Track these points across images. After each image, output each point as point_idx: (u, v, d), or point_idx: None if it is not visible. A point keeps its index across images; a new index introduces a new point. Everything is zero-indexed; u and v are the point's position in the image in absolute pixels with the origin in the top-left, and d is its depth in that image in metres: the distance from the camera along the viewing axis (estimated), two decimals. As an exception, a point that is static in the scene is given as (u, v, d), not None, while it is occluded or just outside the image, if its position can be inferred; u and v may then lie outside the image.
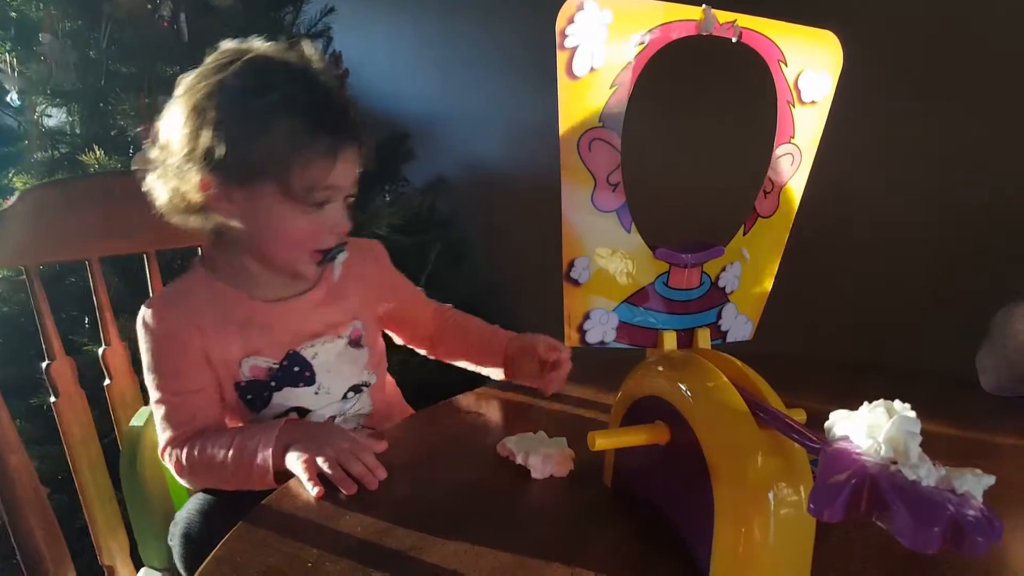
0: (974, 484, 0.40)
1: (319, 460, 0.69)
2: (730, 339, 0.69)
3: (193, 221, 0.81)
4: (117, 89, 1.41)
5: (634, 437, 0.60)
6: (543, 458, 0.70)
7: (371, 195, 1.77)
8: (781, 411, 0.55)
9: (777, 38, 0.62)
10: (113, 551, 0.93)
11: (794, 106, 0.64)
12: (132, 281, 1.33)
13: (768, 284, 0.69)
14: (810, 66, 0.63)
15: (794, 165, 0.66)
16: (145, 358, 0.81)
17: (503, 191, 1.98)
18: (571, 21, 0.55)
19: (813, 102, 0.64)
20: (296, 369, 0.84)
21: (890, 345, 1.35)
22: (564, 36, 0.55)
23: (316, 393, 0.86)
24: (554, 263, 0.60)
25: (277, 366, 0.83)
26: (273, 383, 0.84)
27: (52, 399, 0.89)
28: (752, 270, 0.67)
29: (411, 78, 2.11)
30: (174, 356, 0.80)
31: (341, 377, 0.88)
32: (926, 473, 0.40)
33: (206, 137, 0.74)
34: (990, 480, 0.40)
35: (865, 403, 0.44)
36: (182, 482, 0.81)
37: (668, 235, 0.64)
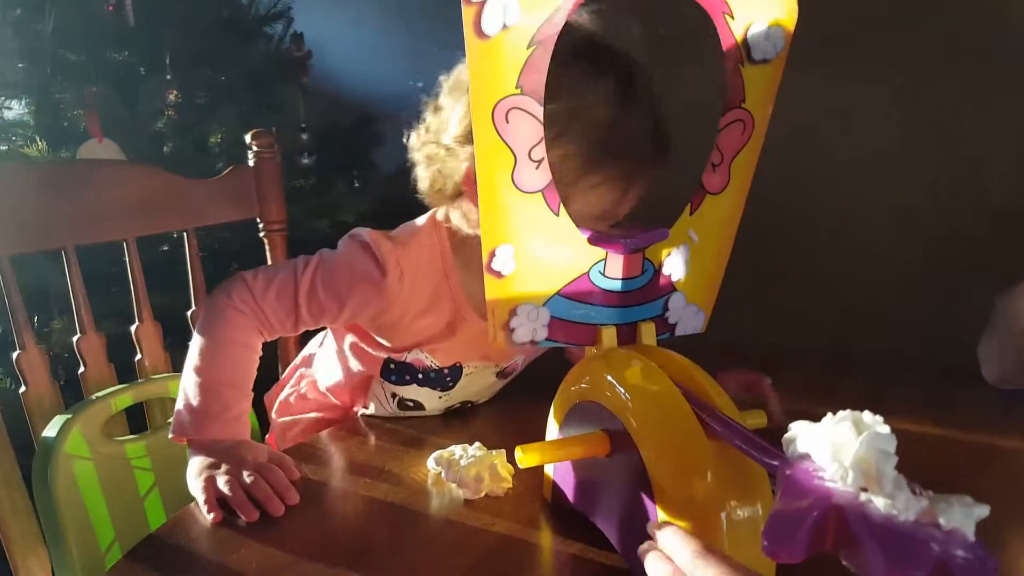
0: (964, 517, 0.32)
1: (219, 480, 0.61)
2: (680, 332, 0.61)
3: (455, 206, 0.72)
4: (60, 78, 1.33)
5: (567, 451, 0.52)
6: (475, 475, 0.62)
7: (336, 182, 1.71)
8: (734, 418, 0.47)
9: (721, -14, 0.54)
10: (33, 569, 0.84)
11: (743, 65, 0.56)
12: (43, 285, 1.24)
13: (720, 269, 0.61)
14: (760, 19, 0.55)
15: (745, 133, 0.58)
16: (321, 258, 0.74)
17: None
18: (477, -32, 0.46)
19: (765, 61, 0.56)
20: (448, 379, 0.79)
21: (876, 334, 1.27)
22: (469, -13, 0.46)
23: (440, 397, 0.82)
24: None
25: (437, 368, 0.79)
26: (421, 375, 0.79)
27: None
28: (701, 254, 0.60)
29: (378, 59, 2.00)
30: (358, 284, 0.72)
31: (467, 395, 0.83)
32: (904, 504, 0.33)
33: None
34: (983, 511, 0.33)
35: (829, 414, 0.37)
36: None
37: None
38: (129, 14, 1.39)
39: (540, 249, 0.54)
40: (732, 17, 0.54)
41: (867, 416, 0.36)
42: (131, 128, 1.42)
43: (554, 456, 0.52)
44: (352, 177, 1.80)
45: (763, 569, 0.46)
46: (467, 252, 0.73)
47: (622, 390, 0.52)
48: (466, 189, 0.68)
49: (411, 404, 0.82)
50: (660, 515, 0.47)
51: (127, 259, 0.93)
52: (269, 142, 1.02)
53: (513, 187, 0.51)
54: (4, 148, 1.33)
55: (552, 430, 0.60)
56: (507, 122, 0.50)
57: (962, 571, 0.31)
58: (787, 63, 0.57)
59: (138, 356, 0.95)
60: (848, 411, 0.37)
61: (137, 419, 0.93)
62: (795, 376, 0.78)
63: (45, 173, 0.92)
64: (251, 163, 1.03)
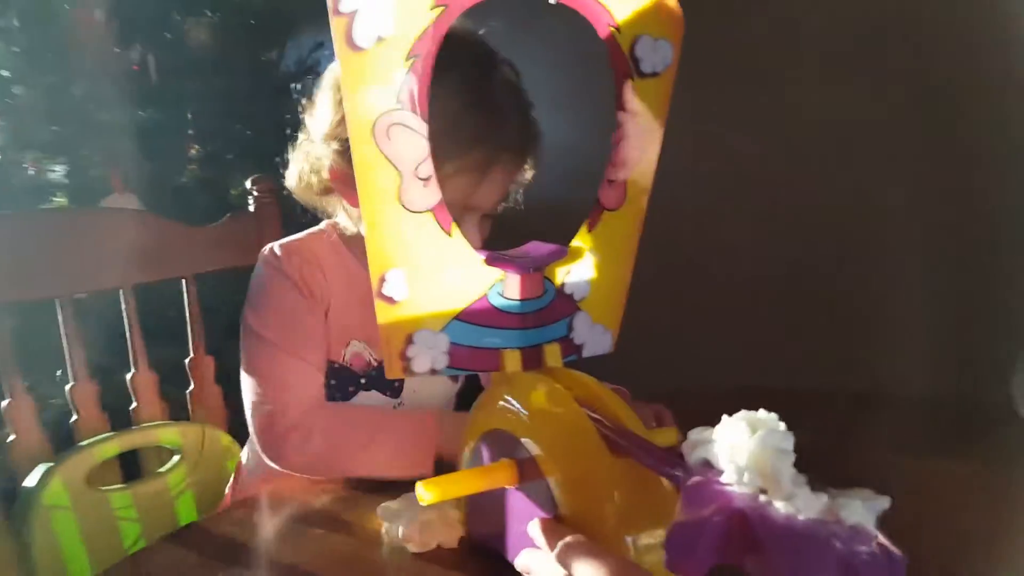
0: (865, 511, 0.31)
1: None
2: (587, 353, 0.59)
3: (325, 202, 0.76)
4: (88, 136, 1.43)
5: (472, 483, 0.49)
6: (421, 526, 0.57)
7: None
8: (640, 435, 0.45)
9: (604, -1, 0.54)
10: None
11: (632, 79, 0.56)
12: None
13: (623, 287, 0.60)
14: (647, 31, 0.55)
15: (641, 149, 0.57)
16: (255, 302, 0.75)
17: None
18: (346, -22, 0.44)
19: (655, 74, 0.56)
20: (394, 380, 0.73)
21: (890, 371, 1.21)
22: (338, -1, 0.44)
23: (395, 407, 0.78)
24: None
25: (377, 364, 0.76)
26: (363, 380, 0.76)
27: None
28: (602, 272, 0.58)
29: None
30: (295, 303, 0.73)
31: (422, 399, 0.79)
32: (804, 503, 0.31)
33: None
34: (883, 504, 0.31)
35: (724, 416, 0.35)
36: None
37: (500, 237, 0.54)
38: (152, 73, 1.50)
39: (434, 272, 0.51)
40: (618, 31, 0.54)
41: (762, 414, 0.34)
42: (154, 182, 1.48)
43: (457, 489, 0.49)
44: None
45: None
46: (361, 248, 0.71)
47: (525, 414, 0.49)
48: (335, 184, 0.70)
49: None
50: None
51: (123, 307, 0.90)
52: (269, 187, 1.01)
53: (400, 207, 0.49)
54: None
55: (464, 463, 0.57)
56: (389, 139, 0.48)
57: (867, 567, 0.29)
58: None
59: (133, 404, 0.91)
60: (743, 412, 0.35)
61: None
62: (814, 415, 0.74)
63: (38, 222, 0.94)
64: (251, 208, 1.01)
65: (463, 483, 0.49)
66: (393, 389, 0.78)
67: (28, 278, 0.86)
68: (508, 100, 0.69)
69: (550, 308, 0.56)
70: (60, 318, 0.86)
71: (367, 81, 0.46)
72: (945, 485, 0.66)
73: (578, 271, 0.57)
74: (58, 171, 1.46)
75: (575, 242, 0.57)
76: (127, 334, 0.92)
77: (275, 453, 0.70)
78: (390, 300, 0.50)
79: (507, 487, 0.50)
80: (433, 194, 0.50)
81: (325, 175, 0.71)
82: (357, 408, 0.75)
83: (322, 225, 0.80)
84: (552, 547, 0.42)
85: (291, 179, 0.76)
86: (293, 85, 0.75)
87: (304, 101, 0.74)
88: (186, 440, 0.91)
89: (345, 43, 0.45)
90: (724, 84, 1.36)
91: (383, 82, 0.47)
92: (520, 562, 0.47)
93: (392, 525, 0.59)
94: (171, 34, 1.53)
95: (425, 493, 0.47)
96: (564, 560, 0.41)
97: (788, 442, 0.33)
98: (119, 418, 0.91)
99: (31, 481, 0.80)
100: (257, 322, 0.74)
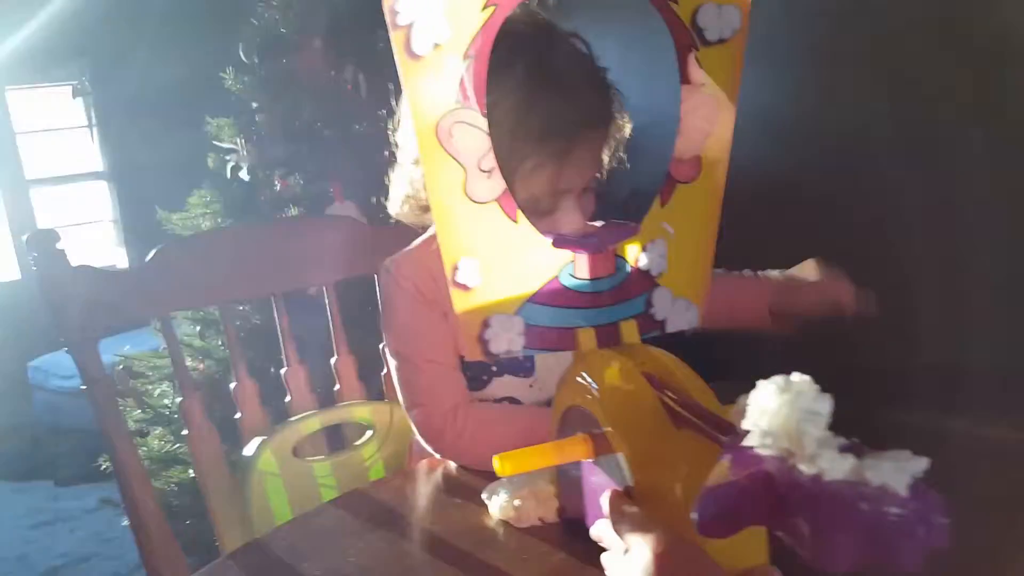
0: (895, 472, 0.30)
1: None
2: (671, 328, 0.59)
3: (431, 219, 0.76)
4: (313, 152, 1.65)
5: (547, 457, 0.51)
6: (519, 502, 0.60)
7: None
8: (708, 408, 0.45)
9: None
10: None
11: (696, 50, 0.55)
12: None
13: (707, 260, 0.59)
14: None
15: (710, 120, 0.56)
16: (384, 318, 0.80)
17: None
18: (399, -6, 0.48)
19: (721, 41, 0.55)
20: (524, 358, 0.80)
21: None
22: (395, 14, 0.48)
23: (531, 386, 0.82)
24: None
25: None
26: (495, 367, 0.80)
27: (184, 431, 0.92)
28: (680, 246, 0.58)
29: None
30: (415, 313, 0.77)
31: (557, 373, 0.81)
32: (829, 463, 0.30)
33: None
34: (919, 465, 0.30)
35: (760, 381, 0.35)
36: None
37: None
38: (363, 88, 1.65)
39: (504, 258, 0.54)
40: (676, 2, 0.54)
41: (795, 377, 0.34)
42: (369, 190, 1.59)
43: (533, 462, 0.51)
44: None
45: (753, 556, 0.43)
46: None
47: (596, 391, 0.51)
48: None
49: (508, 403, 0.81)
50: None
51: (326, 301, 1.02)
52: None
53: (467, 199, 0.52)
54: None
55: (553, 438, 0.59)
56: (452, 136, 0.51)
57: (895, 528, 0.29)
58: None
59: (336, 386, 1.03)
60: (779, 376, 0.35)
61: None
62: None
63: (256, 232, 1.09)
64: None
65: (538, 457, 0.51)
66: (526, 369, 0.81)
67: (252, 279, 0.99)
68: (575, 76, 0.68)
69: (625, 285, 0.57)
70: (275, 312, 0.98)
71: (428, 85, 0.50)
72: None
73: (653, 247, 0.57)
74: (295, 185, 1.69)
75: (649, 218, 0.57)
76: (330, 325, 1.02)
77: (435, 447, 0.76)
78: (464, 287, 0.54)
79: (586, 462, 0.52)
80: (497, 184, 0.53)
81: (423, 193, 0.74)
82: (506, 408, 0.79)
83: (430, 231, 0.81)
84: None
85: (394, 205, 0.79)
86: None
87: (391, 125, 0.78)
88: (377, 417, 1.01)
89: (405, 53, 0.49)
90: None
91: (443, 84, 0.50)
92: (593, 531, 0.49)
93: (492, 503, 0.62)
94: (376, 54, 1.66)
95: (500, 465, 0.50)
96: (618, 529, 0.42)
97: (820, 404, 0.32)
98: (326, 397, 1.03)
99: (248, 451, 0.93)
100: (388, 336, 0.80)
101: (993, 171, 1.20)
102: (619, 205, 0.63)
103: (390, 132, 0.79)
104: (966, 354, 1.13)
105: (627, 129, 0.75)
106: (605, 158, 0.76)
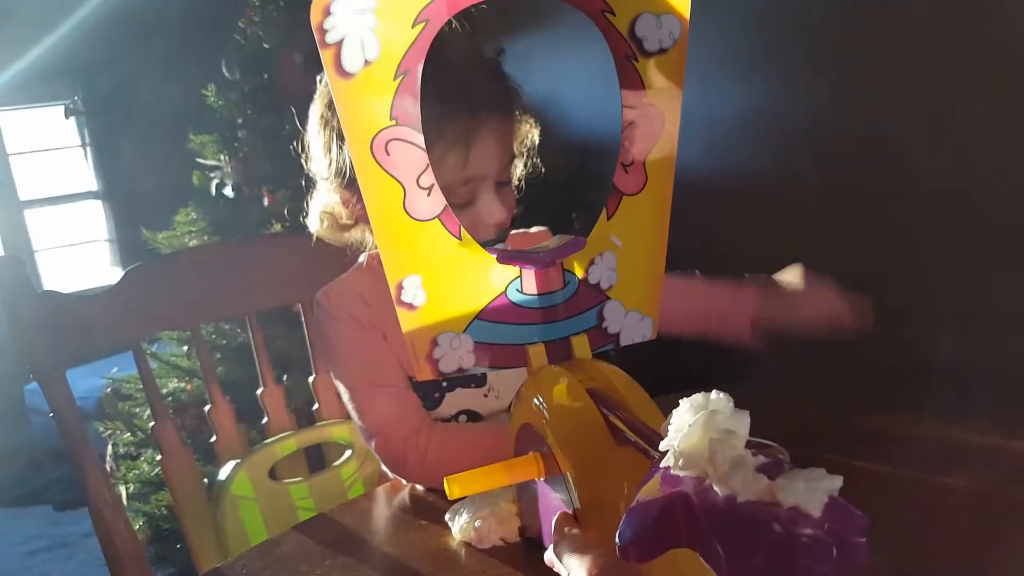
0: (807, 492, 0.29)
1: None
2: (626, 341, 0.59)
3: (351, 236, 0.78)
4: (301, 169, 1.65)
5: (497, 477, 0.50)
6: (480, 522, 0.60)
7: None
8: (646, 425, 0.44)
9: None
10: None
11: (635, 60, 0.54)
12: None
13: (656, 272, 0.59)
14: (647, 9, 0.54)
15: (655, 129, 0.56)
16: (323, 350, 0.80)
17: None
18: (328, 13, 0.47)
19: (662, 51, 0.55)
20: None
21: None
22: (323, 32, 0.48)
23: (485, 396, 0.81)
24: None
25: None
26: (445, 383, 0.79)
27: (159, 456, 0.92)
28: (630, 259, 0.57)
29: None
30: (353, 341, 0.76)
31: (512, 380, 0.82)
32: (741, 484, 0.30)
33: (335, 151, 0.71)
34: (833, 484, 0.29)
35: (681, 400, 0.34)
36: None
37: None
38: None
39: (449, 275, 0.53)
40: (612, 14, 0.53)
41: (712, 395, 0.33)
42: None
43: (483, 484, 0.50)
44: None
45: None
46: None
47: (545, 409, 0.50)
48: (356, 216, 0.74)
49: (466, 418, 0.80)
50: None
51: (303, 319, 1.01)
52: None
53: (407, 217, 0.52)
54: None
55: (509, 455, 0.58)
56: (388, 154, 0.50)
57: (805, 551, 0.28)
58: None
59: (315, 405, 1.02)
60: (697, 395, 0.34)
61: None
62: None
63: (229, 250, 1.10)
64: None
65: (488, 478, 0.50)
66: (477, 380, 0.80)
67: (226, 298, 0.98)
68: (467, 64, 0.70)
69: (575, 300, 0.56)
70: (250, 332, 0.98)
71: (360, 104, 0.49)
72: None
73: (602, 260, 0.57)
74: (283, 201, 1.66)
75: (596, 231, 0.57)
76: (307, 343, 1.01)
77: (399, 472, 0.75)
78: (410, 307, 0.53)
79: (539, 481, 0.51)
80: (437, 202, 0.52)
81: (342, 210, 0.75)
82: (467, 427, 0.79)
83: (361, 258, 0.82)
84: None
85: (313, 223, 0.79)
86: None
87: (301, 150, 0.78)
88: (356, 436, 0.99)
89: (335, 72, 0.48)
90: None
91: (375, 102, 0.50)
92: (546, 556, 0.48)
93: (454, 524, 0.61)
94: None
95: (449, 488, 0.49)
96: (558, 552, 0.41)
97: (735, 423, 0.32)
98: (305, 417, 1.03)
99: (222, 474, 0.92)
100: (334, 370, 0.79)
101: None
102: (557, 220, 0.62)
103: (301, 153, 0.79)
104: (947, 354, 1.12)
105: (535, 133, 0.76)
106: (516, 150, 0.76)
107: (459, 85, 0.68)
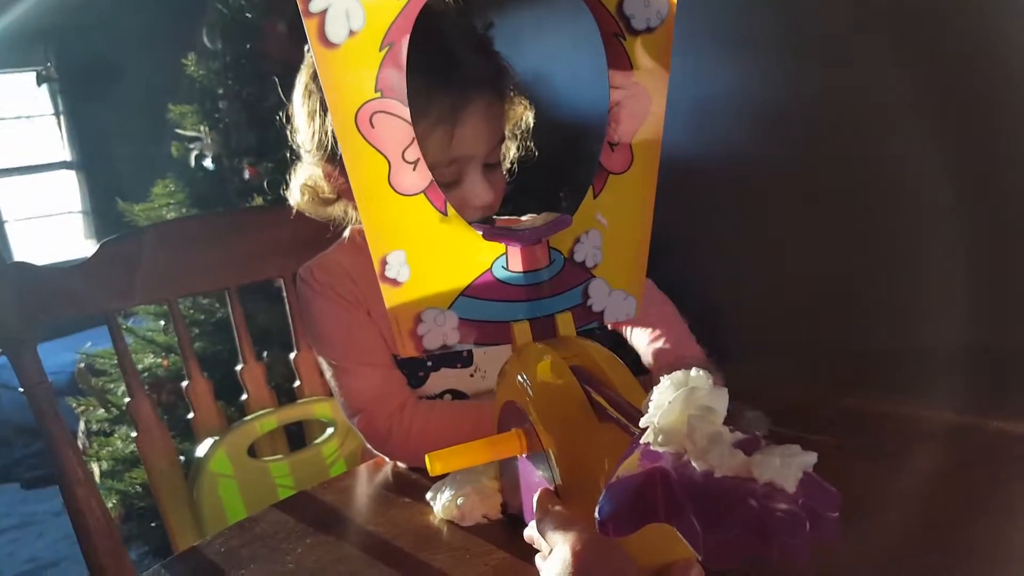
0: (782, 468, 0.29)
1: None
2: (609, 319, 0.59)
3: (333, 211, 0.77)
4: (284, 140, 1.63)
5: (480, 453, 0.51)
6: (462, 500, 0.60)
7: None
8: (628, 402, 0.45)
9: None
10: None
11: (623, 38, 0.54)
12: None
13: (641, 251, 0.59)
14: (636, -13, 0.53)
15: (641, 108, 0.56)
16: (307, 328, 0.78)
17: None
18: (312, -20, 0.47)
19: (649, 30, 0.54)
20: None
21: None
22: (307, 1, 0.47)
23: (471, 376, 0.80)
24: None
25: None
26: (430, 362, 0.78)
27: (134, 434, 0.91)
28: (615, 238, 0.57)
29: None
30: (338, 318, 0.75)
31: (498, 360, 0.79)
32: (719, 459, 0.30)
33: (319, 123, 0.69)
34: (807, 460, 0.30)
35: (662, 377, 0.35)
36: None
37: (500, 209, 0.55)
38: None
39: (434, 251, 0.53)
40: (601, -9, 0.53)
41: (693, 373, 0.33)
42: None
43: (465, 460, 0.51)
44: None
45: (678, 550, 0.43)
46: None
47: (528, 386, 0.50)
48: (339, 190, 0.72)
49: (451, 397, 0.80)
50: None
51: (284, 294, 0.99)
52: None
53: (392, 191, 0.51)
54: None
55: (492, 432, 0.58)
56: (372, 127, 0.50)
57: (780, 525, 0.28)
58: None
59: (297, 383, 1.01)
60: (678, 372, 0.34)
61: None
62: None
63: (208, 223, 1.07)
64: None
65: (470, 454, 0.51)
66: (463, 360, 0.80)
67: (204, 272, 0.96)
68: (456, 43, 0.68)
69: (560, 277, 0.56)
70: (230, 307, 0.96)
71: (345, 75, 0.48)
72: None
73: (588, 239, 0.57)
74: (265, 173, 1.64)
75: (582, 209, 0.56)
76: (288, 318, 1.00)
77: (383, 451, 0.74)
78: (394, 282, 0.53)
79: (521, 457, 0.52)
80: (423, 177, 0.52)
81: (324, 184, 0.74)
82: (452, 405, 0.78)
83: (345, 233, 0.81)
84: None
85: (294, 196, 0.77)
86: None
87: (286, 122, 0.76)
88: (338, 413, 0.98)
89: (319, 42, 0.47)
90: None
91: (360, 73, 0.49)
92: (526, 533, 0.48)
93: (436, 502, 0.61)
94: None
95: (431, 465, 0.49)
96: (541, 528, 0.41)
97: (714, 400, 0.32)
98: (284, 394, 1.01)
99: (200, 451, 0.91)
100: (317, 346, 0.78)
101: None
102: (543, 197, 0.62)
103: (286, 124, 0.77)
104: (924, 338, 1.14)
105: (529, 116, 0.75)
106: (509, 132, 0.75)
107: (445, 60, 0.66)
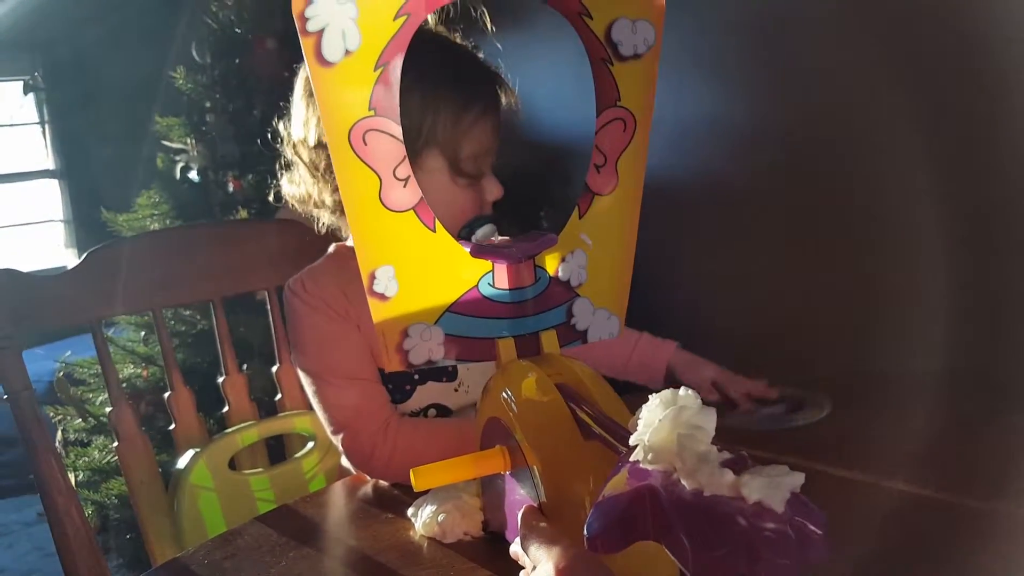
0: (771, 488, 0.30)
1: None
2: (593, 338, 0.60)
3: (321, 214, 0.78)
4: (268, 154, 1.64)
5: (463, 470, 0.51)
6: (443, 516, 0.60)
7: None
8: (613, 420, 0.45)
9: (575, -14, 0.54)
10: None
11: (611, 64, 0.55)
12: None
13: (626, 271, 0.60)
14: (624, 13, 0.55)
15: (627, 132, 0.57)
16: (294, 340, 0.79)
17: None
18: (310, 1, 0.47)
19: (636, 56, 0.56)
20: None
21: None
22: (305, 20, 0.47)
23: (456, 390, 0.81)
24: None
25: None
26: (416, 376, 0.79)
27: (113, 444, 0.89)
28: (600, 258, 0.58)
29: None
30: (326, 331, 0.76)
31: (482, 375, 0.80)
32: (708, 478, 0.31)
33: (313, 127, 0.72)
34: (795, 481, 0.30)
35: (651, 396, 0.35)
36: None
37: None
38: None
39: (422, 267, 0.54)
40: (589, 17, 0.54)
41: (681, 392, 0.34)
42: None
43: (449, 476, 0.51)
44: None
45: (664, 568, 0.43)
46: None
47: (513, 403, 0.51)
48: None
49: (436, 412, 0.80)
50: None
51: (268, 307, 0.99)
52: None
53: (382, 207, 0.52)
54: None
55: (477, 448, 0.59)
56: (365, 144, 0.50)
57: (769, 545, 0.29)
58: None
59: (278, 396, 1.00)
60: (667, 391, 0.35)
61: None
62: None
63: (195, 233, 1.06)
64: None
65: (454, 470, 0.51)
66: (448, 374, 0.80)
67: (190, 283, 0.95)
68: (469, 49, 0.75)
69: (545, 296, 0.57)
70: (214, 318, 0.96)
71: (339, 93, 0.49)
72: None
73: (573, 258, 0.57)
74: (248, 186, 1.65)
75: (568, 229, 0.57)
76: (272, 331, 0.99)
77: (366, 469, 0.74)
78: (381, 297, 0.53)
79: (505, 474, 0.52)
80: (413, 194, 0.52)
81: (313, 191, 0.76)
82: (435, 422, 0.78)
83: (330, 248, 0.82)
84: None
85: (285, 190, 0.80)
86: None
87: (279, 133, 0.78)
88: (318, 428, 0.96)
89: (315, 60, 0.48)
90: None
91: (354, 92, 0.50)
92: (512, 549, 0.48)
93: (417, 518, 0.62)
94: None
95: (415, 480, 0.50)
96: (526, 545, 0.42)
97: (703, 419, 0.33)
98: (265, 407, 1.00)
99: (181, 463, 0.90)
100: (302, 359, 0.77)
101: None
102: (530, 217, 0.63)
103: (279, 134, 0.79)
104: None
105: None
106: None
107: (472, 56, 0.72)
